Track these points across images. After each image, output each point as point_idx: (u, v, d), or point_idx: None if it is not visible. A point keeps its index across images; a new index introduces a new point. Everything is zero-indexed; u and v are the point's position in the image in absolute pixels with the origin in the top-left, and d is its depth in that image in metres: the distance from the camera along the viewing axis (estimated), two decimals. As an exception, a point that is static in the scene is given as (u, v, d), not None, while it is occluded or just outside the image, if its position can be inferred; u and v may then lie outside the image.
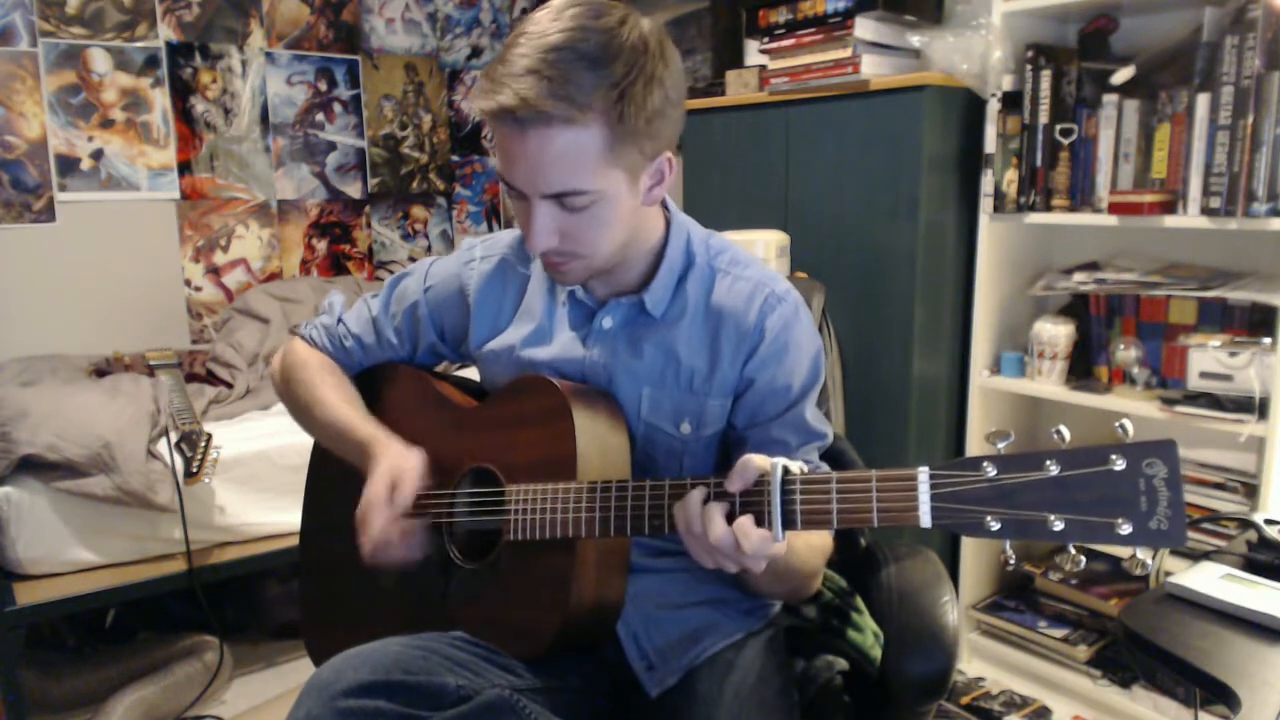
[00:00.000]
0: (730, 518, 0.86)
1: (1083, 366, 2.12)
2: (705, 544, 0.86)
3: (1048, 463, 0.75)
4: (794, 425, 1.09)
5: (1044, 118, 2.02)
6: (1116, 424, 0.75)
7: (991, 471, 0.77)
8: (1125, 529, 0.72)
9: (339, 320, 1.28)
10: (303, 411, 1.25)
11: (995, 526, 0.76)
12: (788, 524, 0.85)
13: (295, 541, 1.40)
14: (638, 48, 0.92)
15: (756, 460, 0.86)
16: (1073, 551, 0.78)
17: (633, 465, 1.06)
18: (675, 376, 1.08)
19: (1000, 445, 0.78)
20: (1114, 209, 1.91)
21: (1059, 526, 0.74)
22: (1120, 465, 0.73)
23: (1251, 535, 1.22)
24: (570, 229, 0.97)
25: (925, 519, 0.79)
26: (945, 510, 0.78)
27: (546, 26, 0.91)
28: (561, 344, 1.12)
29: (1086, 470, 0.74)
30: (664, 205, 1.12)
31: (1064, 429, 0.77)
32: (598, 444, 1.02)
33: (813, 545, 1.04)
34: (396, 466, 1.08)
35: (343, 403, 1.20)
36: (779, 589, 1.09)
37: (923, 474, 0.79)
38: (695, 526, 0.87)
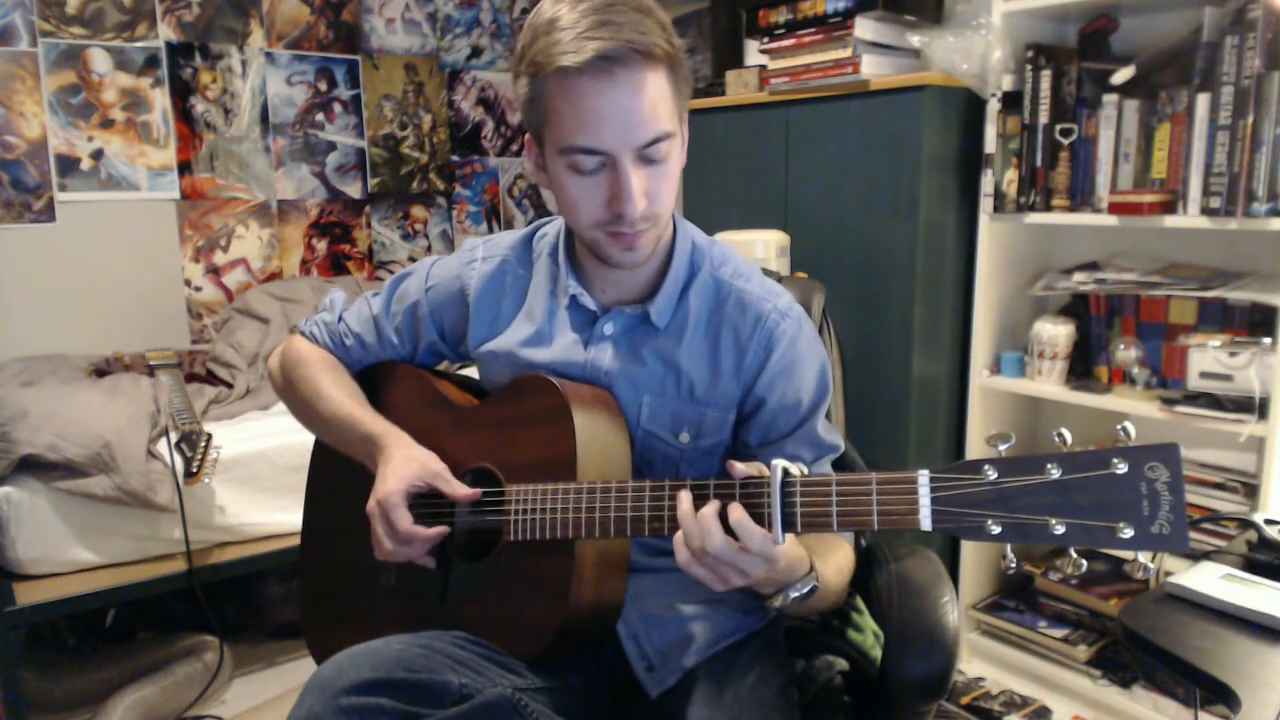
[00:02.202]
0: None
1: (1083, 366, 2.12)
2: (700, 546, 0.86)
3: (1049, 466, 0.75)
4: (807, 440, 1.10)
5: (1044, 118, 2.02)
6: (1119, 427, 0.75)
7: (992, 475, 0.76)
8: (1127, 533, 0.72)
9: (340, 318, 1.28)
10: (305, 407, 1.24)
11: (996, 530, 0.76)
12: (788, 526, 0.85)
13: (295, 541, 1.41)
14: (650, 4, 0.97)
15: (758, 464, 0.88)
16: (1074, 555, 0.78)
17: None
18: (675, 386, 1.09)
19: (1001, 448, 0.78)
20: (1114, 209, 1.91)
21: (1060, 530, 0.74)
22: (1122, 469, 0.73)
23: (1251, 535, 1.22)
24: (651, 186, 0.97)
25: (926, 522, 0.78)
26: (946, 514, 0.78)
27: None
28: (562, 347, 1.12)
29: (1088, 474, 0.74)
30: None
31: (1065, 432, 0.76)
32: (598, 444, 1.02)
33: (841, 568, 1.05)
34: (423, 467, 1.06)
35: (347, 398, 1.19)
36: (807, 613, 1.11)
37: (923, 477, 0.79)
38: (691, 529, 0.87)
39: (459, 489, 1.06)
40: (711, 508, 0.86)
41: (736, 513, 0.85)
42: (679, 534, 0.89)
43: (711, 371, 1.08)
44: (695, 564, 0.88)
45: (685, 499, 0.88)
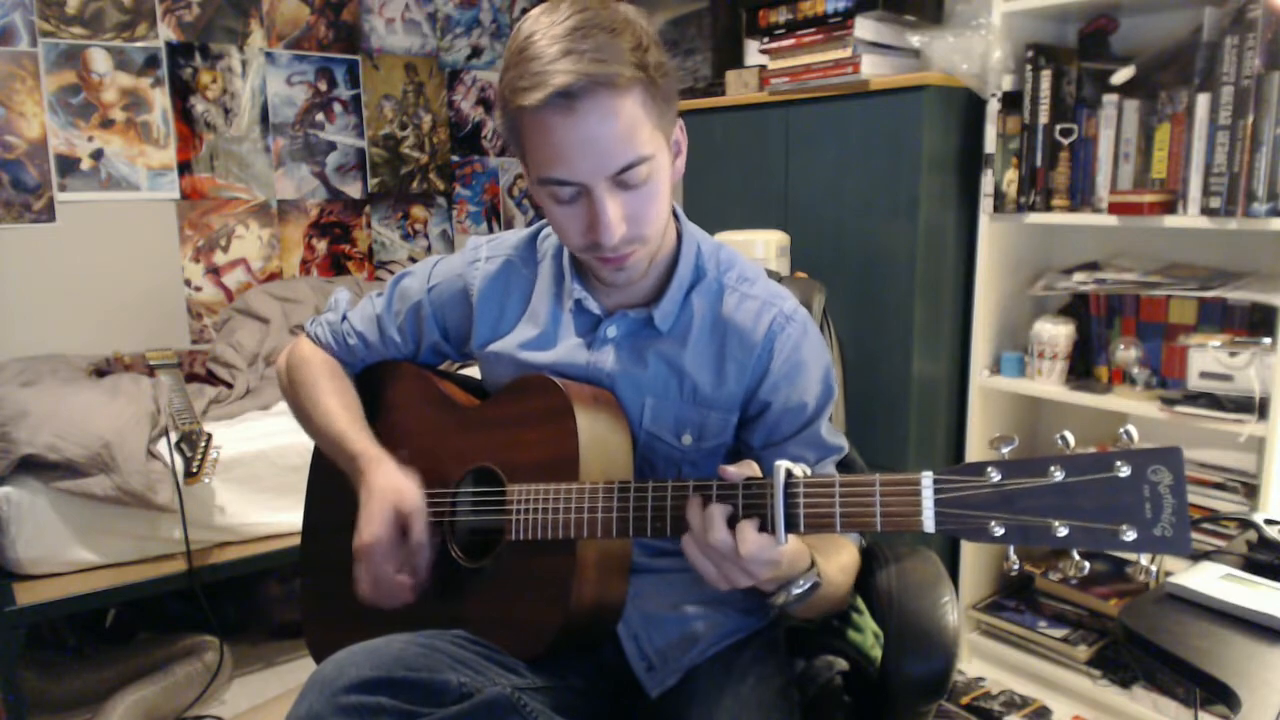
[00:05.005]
0: (733, 522, 0.86)
1: (1083, 366, 2.12)
2: (703, 544, 0.87)
3: (1052, 468, 0.75)
4: (811, 442, 1.10)
5: (1044, 118, 2.02)
6: (1121, 430, 0.75)
7: (995, 477, 0.76)
8: (1129, 535, 0.72)
9: (343, 317, 1.28)
10: (302, 414, 1.25)
11: (999, 532, 0.76)
12: (791, 527, 0.85)
13: (295, 541, 1.41)
14: (630, 18, 0.95)
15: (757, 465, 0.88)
16: (1076, 557, 0.77)
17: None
18: (679, 389, 1.09)
19: (1004, 450, 0.78)
20: (1114, 209, 1.91)
21: (1063, 533, 0.74)
22: (1125, 472, 0.73)
23: (1251, 535, 1.22)
24: (632, 210, 0.97)
25: (929, 524, 0.78)
26: (949, 515, 0.78)
27: (552, 20, 0.92)
28: (564, 349, 1.12)
29: (1091, 476, 0.74)
30: (674, 216, 1.12)
31: (1069, 435, 0.76)
32: (600, 444, 1.02)
33: (845, 567, 1.06)
34: (399, 504, 1.07)
35: (340, 409, 1.20)
36: (813, 613, 1.10)
37: (926, 479, 0.79)
38: (696, 525, 0.87)
39: (419, 534, 1.06)
40: (720, 508, 0.87)
41: (743, 525, 0.85)
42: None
43: (715, 375, 1.08)
44: (702, 557, 0.88)
45: (697, 501, 0.89)
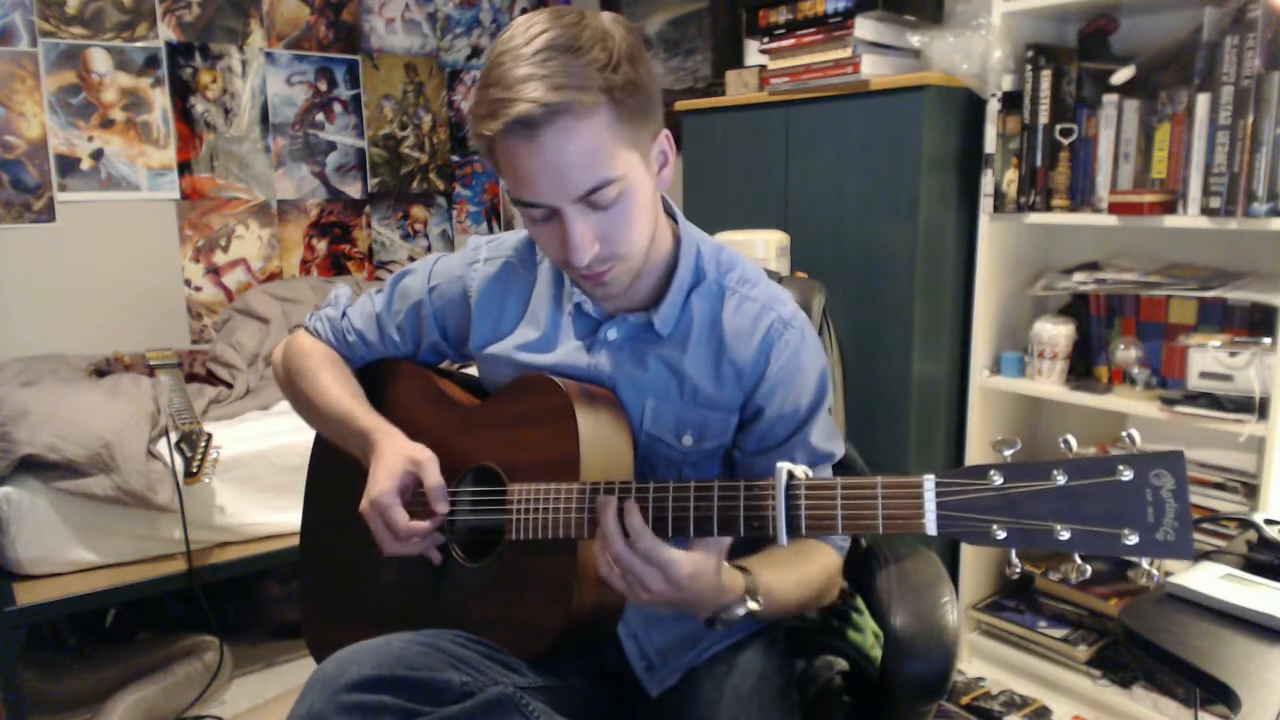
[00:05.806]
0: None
1: (1083, 366, 2.12)
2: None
3: (1055, 472, 0.75)
4: (802, 446, 1.10)
5: (1044, 118, 2.02)
6: (1124, 434, 0.75)
7: (998, 480, 0.76)
8: (1132, 540, 0.72)
9: (343, 314, 1.28)
10: (304, 401, 1.24)
11: (1001, 536, 0.76)
12: (792, 529, 0.85)
13: (295, 541, 1.41)
14: (604, 32, 0.93)
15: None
16: (1078, 560, 0.77)
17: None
18: (679, 390, 1.09)
19: (1007, 453, 0.78)
20: (1114, 209, 1.91)
21: (1065, 536, 0.74)
22: (1128, 476, 0.73)
23: (1251, 535, 1.22)
24: (605, 230, 0.96)
25: (931, 527, 0.78)
26: (951, 519, 0.78)
27: (520, 39, 0.92)
28: (564, 351, 1.12)
29: (1094, 480, 0.73)
30: (673, 218, 1.12)
31: (1071, 438, 0.76)
32: (600, 444, 1.02)
33: (807, 581, 1.05)
34: (411, 457, 1.07)
35: (345, 394, 1.20)
36: (783, 617, 1.11)
37: (928, 482, 0.79)
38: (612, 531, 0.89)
39: (433, 478, 1.06)
40: (612, 509, 0.88)
41: (633, 515, 0.87)
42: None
43: (715, 377, 1.08)
44: (610, 570, 0.89)
45: (611, 504, 0.89)
